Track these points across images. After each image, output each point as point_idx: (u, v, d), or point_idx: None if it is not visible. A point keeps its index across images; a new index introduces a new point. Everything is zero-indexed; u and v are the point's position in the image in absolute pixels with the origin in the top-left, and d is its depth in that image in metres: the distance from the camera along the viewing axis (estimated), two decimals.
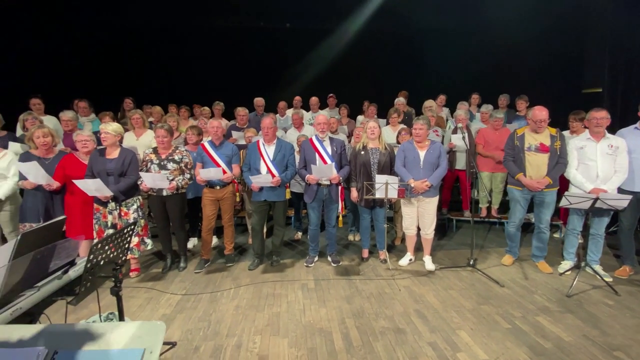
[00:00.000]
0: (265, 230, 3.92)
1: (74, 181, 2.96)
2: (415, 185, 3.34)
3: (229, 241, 3.76)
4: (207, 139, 3.64)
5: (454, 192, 5.21)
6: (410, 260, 3.71)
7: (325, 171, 3.41)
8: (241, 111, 4.83)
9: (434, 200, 3.47)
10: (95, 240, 3.05)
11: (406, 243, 3.77)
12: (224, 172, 3.40)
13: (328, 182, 3.50)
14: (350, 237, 4.59)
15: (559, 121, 4.23)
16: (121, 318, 1.92)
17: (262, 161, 3.46)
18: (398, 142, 4.11)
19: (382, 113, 5.37)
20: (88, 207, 3.18)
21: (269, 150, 3.50)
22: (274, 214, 3.66)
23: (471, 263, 3.52)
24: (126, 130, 4.26)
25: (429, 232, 3.54)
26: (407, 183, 3.36)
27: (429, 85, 6.18)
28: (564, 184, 3.44)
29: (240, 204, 4.47)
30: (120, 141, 3.33)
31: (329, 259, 3.78)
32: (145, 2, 5.96)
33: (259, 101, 5.48)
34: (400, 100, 5.42)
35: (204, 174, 3.34)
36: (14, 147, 3.57)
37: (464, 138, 3.49)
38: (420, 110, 5.19)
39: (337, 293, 3.08)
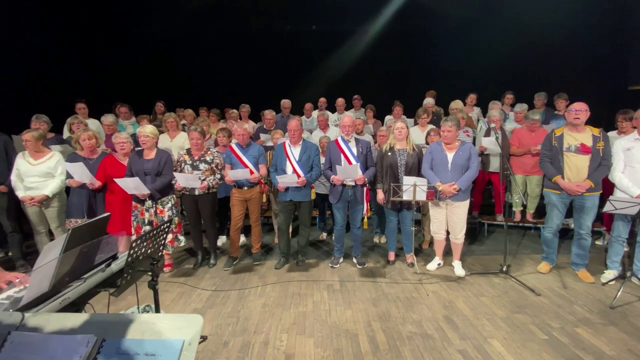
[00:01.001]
0: (290, 230, 3.97)
1: (116, 180, 3.15)
2: (443, 189, 3.25)
3: (256, 240, 3.85)
4: (235, 140, 3.76)
5: (486, 195, 5.01)
6: (439, 264, 3.62)
7: (350, 172, 3.40)
8: (268, 114, 4.94)
9: (465, 204, 3.36)
10: (135, 237, 3.24)
11: (434, 247, 3.68)
12: (251, 172, 3.50)
13: (353, 183, 3.49)
14: (376, 240, 4.54)
15: (602, 120, 3.96)
16: (157, 310, 2.01)
17: (288, 162, 3.52)
18: (427, 143, 4.02)
19: (410, 113, 5.28)
20: (127, 204, 3.37)
21: (294, 151, 3.55)
22: (299, 214, 3.70)
23: (504, 269, 3.37)
24: (160, 132, 4.48)
25: (459, 237, 3.43)
26: (433, 186, 3.28)
27: (458, 84, 5.99)
28: (607, 187, 3.22)
29: (266, 204, 4.56)
30: (156, 142, 3.51)
31: (354, 260, 3.76)
32: (175, 10, 6.26)
33: (285, 103, 5.57)
34: (429, 101, 5.30)
35: (232, 174, 3.45)
36: (55, 148, 3.86)
37: (497, 139, 3.36)
38: (448, 110, 5.04)
39: (362, 295, 3.06)
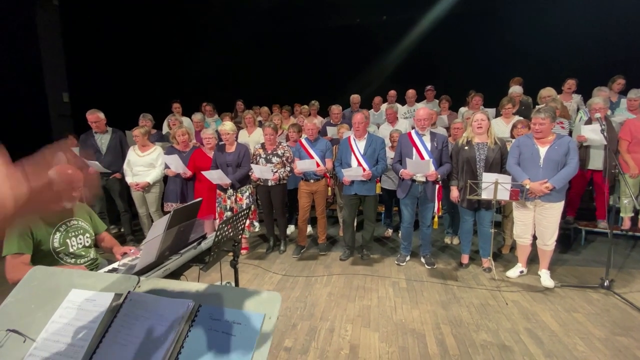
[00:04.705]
0: (355, 224, 3.99)
1: (202, 172, 3.57)
2: (532, 187, 2.90)
3: (322, 231, 3.97)
4: (305, 135, 3.91)
5: (585, 197, 4.32)
6: (521, 272, 3.26)
7: (421, 167, 3.25)
8: (335, 109, 5.01)
9: (558, 206, 2.94)
10: (218, 221, 3.63)
11: (517, 253, 3.32)
12: (317, 165, 3.60)
13: (423, 179, 3.34)
14: (447, 240, 4.28)
15: None
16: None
17: (352, 156, 3.52)
18: (512, 137, 3.62)
19: (490, 104, 4.80)
20: (212, 192, 3.79)
21: (359, 145, 3.53)
22: (364, 208, 3.69)
23: (606, 284, 2.89)
24: (240, 128, 4.89)
25: (548, 243, 3.03)
26: (520, 184, 2.94)
27: (551, 69, 5.21)
28: None
29: (332, 197, 4.65)
30: (236, 137, 3.85)
31: (423, 260, 3.61)
32: (249, 17, 6.71)
33: (354, 98, 5.55)
34: (516, 90, 4.72)
35: (300, 165, 3.60)
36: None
37: (602, 131, 2.86)
38: (537, 99, 4.42)
39: (431, 296, 2.93)
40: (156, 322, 1.01)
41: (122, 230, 4.59)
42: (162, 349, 0.95)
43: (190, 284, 1.14)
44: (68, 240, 1.94)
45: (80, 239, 2.01)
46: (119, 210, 4.44)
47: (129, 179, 4.04)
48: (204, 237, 2.04)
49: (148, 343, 0.97)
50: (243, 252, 3.94)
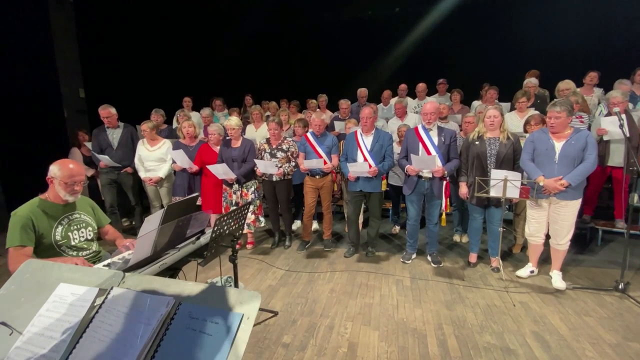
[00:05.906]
0: (361, 220, 3.93)
1: (207, 166, 3.59)
2: (547, 185, 2.77)
3: (327, 227, 3.94)
4: (311, 130, 3.86)
5: (604, 195, 4.11)
6: (532, 272, 3.14)
7: (427, 162, 3.16)
8: (343, 104, 4.94)
9: (574, 205, 2.79)
10: (219, 215, 3.65)
11: (528, 252, 3.20)
12: (325, 162, 3.56)
13: (430, 175, 3.25)
14: (456, 238, 4.18)
15: None
16: (235, 283, 2.24)
17: (359, 151, 3.45)
18: (526, 132, 3.47)
19: (505, 98, 4.61)
20: (218, 187, 3.82)
21: (366, 141, 3.46)
22: (369, 205, 3.63)
23: (620, 287, 2.75)
24: (248, 123, 4.90)
25: (562, 243, 2.89)
26: (534, 181, 2.81)
27: (572, 60, 4.94)
28: None
29: (339, 193, 4.61)
30: (243, 132, 3.85)
31: (429, 258, 3.54)
32: (255, 10, 6.66)
33: (362, 92, 5.45)
34: (531, 82, 4.51)
35: (308, 163, 3.56)
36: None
37: (622, 126, 2.70)
38: (554, 92, 4.21)
39: (435, 296, 2.87)
40: (136, 319, 1.01)
41: (134, 223, 4.70)
42: (139, 346, 0.95)
43: (174, 282, 1.14)
44: (70, 234, 1.98)
45: (82, 232, 2.05)
46: (130, 204, 4.54)
47: (141, 174, 4.12)
48: (202, 232, 2.04)
49: (126, 339, 0.97)
50: (249, 246, 3.96)
